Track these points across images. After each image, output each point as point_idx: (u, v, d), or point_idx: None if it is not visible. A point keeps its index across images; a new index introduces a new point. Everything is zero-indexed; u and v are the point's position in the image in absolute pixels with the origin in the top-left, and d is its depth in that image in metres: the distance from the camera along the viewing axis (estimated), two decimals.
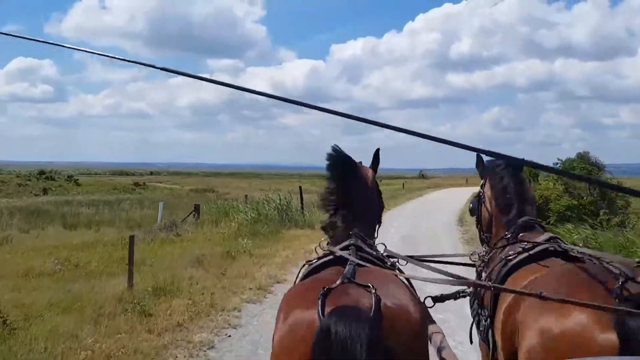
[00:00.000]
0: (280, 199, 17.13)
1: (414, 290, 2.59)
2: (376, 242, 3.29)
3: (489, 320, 2.99)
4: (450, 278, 2.57)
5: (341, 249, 2.84)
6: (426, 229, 18.13)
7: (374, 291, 2.14)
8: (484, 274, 3.39)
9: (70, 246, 15.07)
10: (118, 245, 15.09)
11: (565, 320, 2.08)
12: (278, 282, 9.48)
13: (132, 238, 8.94)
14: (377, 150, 3.55)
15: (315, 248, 3.13)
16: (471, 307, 3.40)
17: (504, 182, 3.49)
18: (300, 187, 19.12)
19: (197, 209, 22.31)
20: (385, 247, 3.21)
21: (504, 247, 3.23)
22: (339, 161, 3.22)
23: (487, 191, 3.66)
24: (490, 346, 2.97)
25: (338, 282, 2.26)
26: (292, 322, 2.19)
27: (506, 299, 2.66)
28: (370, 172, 3.43)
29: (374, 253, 2.95)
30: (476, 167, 3.87)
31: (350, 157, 3.29)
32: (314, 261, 2.91)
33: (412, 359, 2.17)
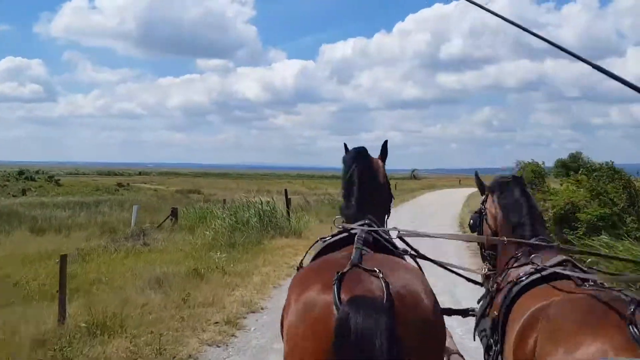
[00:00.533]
0: (262, 203, 15.12)
1: (424, 276, 2.50)
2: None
3: (499, 346, 2.84)
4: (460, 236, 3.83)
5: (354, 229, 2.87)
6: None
7: (381, 276, 2.18)
8: (491, 290, 3.22)
9: (21, 257, 13.14)
10: (76, 257, 13.18)
11: (583, 352, 2.00)
12: (253, 312, 7.62)
13: (64, 259, 7.03)
14: (386, 142, 3.60)
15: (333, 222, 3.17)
16: (477, 325, 3.23)
17: (513, 199, 3.39)
18: (285, 190, 17.09)
19: (174, 213, 20.45)
20: (399, 231, 3.13)
21: (518, 267, 3.09)
22: (353, 151, 3.43)
23: (491, 207, 3.57)
24: None
25: (348, 266, 2.27)
26: (308, 303, 2.18)
27: (516, 324, 2.55)
28: (380, 163, 3.49)
29: (386, 237, 2.95)
30: (476, 183, 3.83)
31: (363, 147, 3.45)
32: (328, 238, 2.96)
33: (426, 344, 2.17)
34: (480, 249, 3.78)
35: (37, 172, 72.31)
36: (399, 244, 3.14)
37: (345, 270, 2.23)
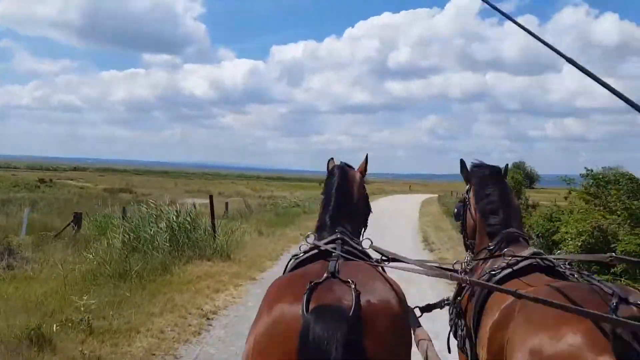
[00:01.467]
0: (177, 215, 11.24)
1: (399, 287, 2.49)
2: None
3: (465, 330, 3.05)
4: (432, 269, 3.00)
5: (327, 243, 2.88)
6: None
7: (353, 286, 2.16)
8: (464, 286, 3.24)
9: None
10: None
11: (559, 342, 1.96)
12: None
13: None
14: (367, 156, 3.67)
15: (301, 245, 3.09)
16: (450, 314, 3.36)
17: (489, 190, 3.42)
18: (210, 197, 13.13)
19: (77, 219, 16.55)
20: (372, 242, 3.18)
21: (486, 259, 3.20)
22: (334, 168, 3.44)
23: (472, 197, 3.57)
24: (469, 357, 2.97)
25: (324, 276, 2.26)
26: (277, 316, 2.16)
27: (492, 314, 2.58)
28: (358, 176, 3.50)
29: (359, 248, 2.97)
30: (460, 172, 3.79)
31: (344, 164, 3.50)
32: (301, 255, 2.90)
33: (392, 357, 2.17)
34: (464, 237, 3.77)
35: None
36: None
37: (320, 280, 2.23)
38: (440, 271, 2.99)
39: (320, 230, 3.13)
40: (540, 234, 10.65)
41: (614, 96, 1.36)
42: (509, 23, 1.66)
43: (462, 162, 3.80)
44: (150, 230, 10.36)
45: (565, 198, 11.94)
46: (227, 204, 22.64)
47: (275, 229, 17.78)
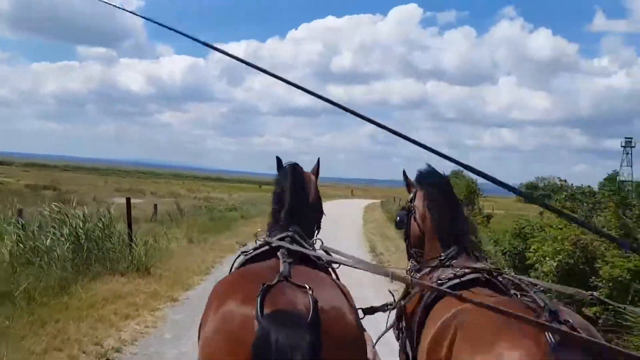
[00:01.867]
0: (85, 219, 9.37)
1: (349, 293, 2.49)
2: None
3: (406, 332, 3.07)
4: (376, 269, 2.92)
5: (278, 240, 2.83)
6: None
7: (311, 292, 2.11)
8: (411, 291, 3.25)
9: None
10: None
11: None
12: None
13: None
14: (318, 160, 3.71)
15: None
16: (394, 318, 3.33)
17: (442, 201, 3.39)
18: (128, 199, 11.21)
19: None
20: (322, 242, 3.14)
21: (436, 268, 3.20)
22: (285, 165, 3.33)
23: (420, 206, 3.54)
24: None
25: (276, 279, 2.19)
26: (227, 316, 2.08)
27: (431, 328, 2.59)
28: (313, 178, 3.51)
29: (310, 248, 2.89)
30: (404, 179, 3.84)
31: (296, 163, 3.40)
32: (250, 252, 2.83)
33: None
34: (407, 246, 3.75)
35: None
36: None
37: (272, 282, 2.15)
38: (384, 269, 2.77)
39: (272, 228, 3.06)
40: (507, 252, 9.60)
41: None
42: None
43: (405, 173, 3.87)
44: (46, 239, 8.43)
45: (541, 213, 11.01)
46: (156, 205, 20.66)
47: (208, 236, 16.08)
